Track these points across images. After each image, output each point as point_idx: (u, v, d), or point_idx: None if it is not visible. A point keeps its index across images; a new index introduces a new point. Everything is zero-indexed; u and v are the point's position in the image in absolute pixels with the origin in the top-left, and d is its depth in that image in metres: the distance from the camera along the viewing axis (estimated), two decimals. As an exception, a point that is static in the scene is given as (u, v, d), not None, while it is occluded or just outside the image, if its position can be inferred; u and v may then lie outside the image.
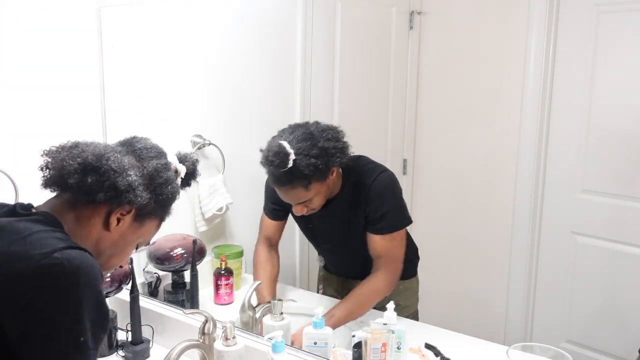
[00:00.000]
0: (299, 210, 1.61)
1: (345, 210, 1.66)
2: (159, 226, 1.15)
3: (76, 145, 1.04)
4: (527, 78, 2.43)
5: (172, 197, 1.12)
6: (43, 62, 1.61)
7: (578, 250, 2.40)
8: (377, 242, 1.62)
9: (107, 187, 0.99)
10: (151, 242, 1.74)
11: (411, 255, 1.80)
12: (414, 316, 1.84)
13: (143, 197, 1.04)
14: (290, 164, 1.47)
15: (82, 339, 0.88)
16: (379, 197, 1.61)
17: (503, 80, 2.53)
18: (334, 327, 1.52)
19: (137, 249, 1.14)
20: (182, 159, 1.17)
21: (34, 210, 0.99)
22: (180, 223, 1.84)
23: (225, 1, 1.96)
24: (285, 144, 1.48)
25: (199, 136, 1.90)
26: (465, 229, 2.65)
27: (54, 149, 1.04)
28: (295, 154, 1.48)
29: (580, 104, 2.33)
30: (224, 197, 1.96)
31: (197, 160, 1.23)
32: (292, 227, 1.91)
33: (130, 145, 1.11)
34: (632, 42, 2.20)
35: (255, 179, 2.08)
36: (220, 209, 1.96)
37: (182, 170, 1.16)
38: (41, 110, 1.62)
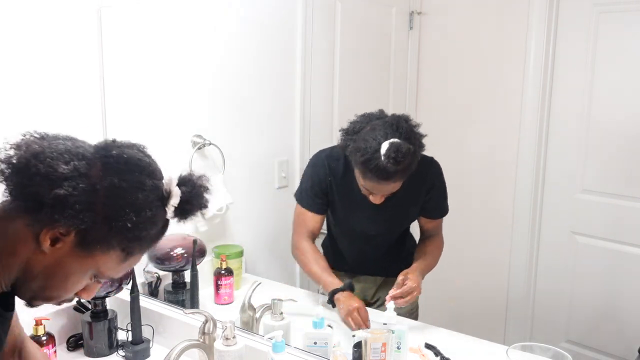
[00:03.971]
0: (378, 200, 1.61)
1: (403, 195, 1.64)
2: (126, 260, 0.88)
3: (42, 137, 0.85)
4: (527, 78, 2.43)
5: (136, 227, 0.84)
6: (43, 62, 1.61)
7: (578, 250, 2.40)
8: (433, 223, 1.80)
9: (27, 194, 0.79)
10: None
11: (413, 250, 1.83)
12: (415, 309, 1.86)
13: (81, 219, 0.80)
14: None
15: None
16: (440, 185, 1.75)
17: (503, 80, 2.53)
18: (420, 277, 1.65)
19: (100, 282, 0.90)
20: (183, 181, 0.92)
21: None
22: (180, 223, 1.83)
23: (224, 1, 1.96)
24: (405, 143, 1.45)
25: (199, 136, 1.90)
26: (465, 228, 2.64)
27: (25, 136, 0.84)
28: None
29: (580, 103, 2.33)
30: (224, 197, 1.96)
31: (203, 186, 0.95)
32: (291, 227, 1.90)
33: (103, 150, 0.86)
34: (632, 42, 2.20)
35: (256, 179, 2.08)
36: (220, 209, 1.95)
37: (176, 194, 0.89)
38: (41, 110, 1.62)
